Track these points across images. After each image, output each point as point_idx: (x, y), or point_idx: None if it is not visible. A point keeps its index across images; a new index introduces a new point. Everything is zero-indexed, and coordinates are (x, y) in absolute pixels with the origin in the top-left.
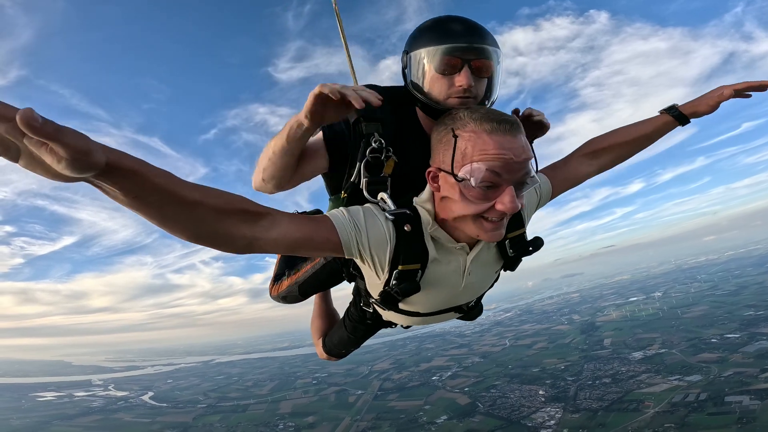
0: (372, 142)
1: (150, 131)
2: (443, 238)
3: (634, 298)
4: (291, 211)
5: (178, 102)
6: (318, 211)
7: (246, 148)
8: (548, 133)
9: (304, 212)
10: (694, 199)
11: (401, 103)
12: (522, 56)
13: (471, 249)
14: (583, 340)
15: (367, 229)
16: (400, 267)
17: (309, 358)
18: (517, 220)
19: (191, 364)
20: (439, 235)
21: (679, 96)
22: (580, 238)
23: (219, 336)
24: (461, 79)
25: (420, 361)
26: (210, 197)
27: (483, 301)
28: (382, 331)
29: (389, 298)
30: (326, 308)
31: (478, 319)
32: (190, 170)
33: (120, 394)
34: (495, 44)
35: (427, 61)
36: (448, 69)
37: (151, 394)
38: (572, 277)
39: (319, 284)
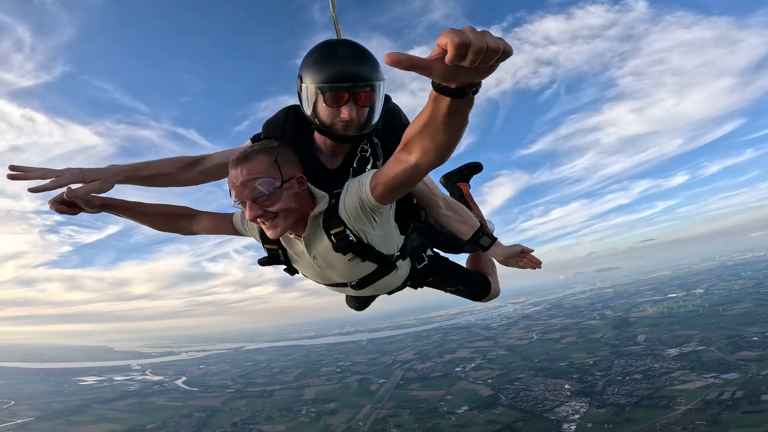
0: None
1: (187, 124)
2: None
3: (673, 295)
4: None
5: (212, 95)
6: None
7: None
8: (584, 124)
9: None
10: (742, 193)
11: (305, 121)
12: (554, 45)
13: (301, 239)
14: (614, 335)
15: (246, 221)
16: (265, 245)
17: (334, 347)
18: (335, 219)
19: (222, 351)
20: None
21: (728, 87)
22: (617, 232)
23: (249, 324)
24: (344, 112)
25: (444, 352)
26: (164, 209)
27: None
28: (406, 321)
29: (273, 263)
30: None
31: (505, 312)
32: None
33: (155, 378)
34: (376, 77)
35: (315, 92)
36: (333, 102)
37: (184, 378)
38: (607, 271)
39: None
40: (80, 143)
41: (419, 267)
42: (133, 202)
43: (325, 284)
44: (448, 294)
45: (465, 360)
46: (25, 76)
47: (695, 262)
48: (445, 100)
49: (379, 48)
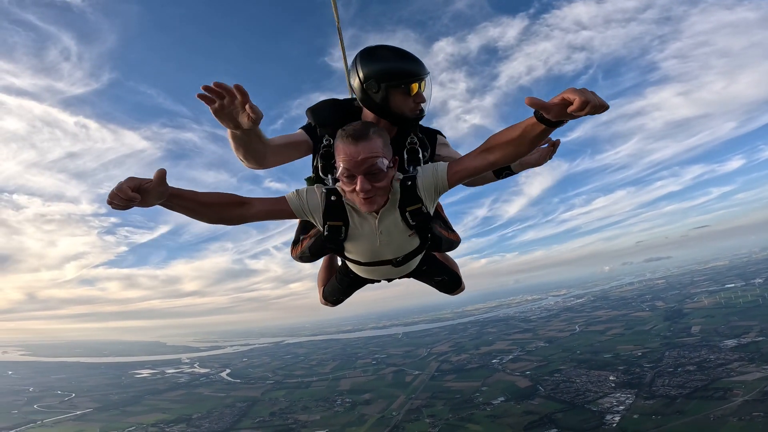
0: (324, 140)
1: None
2: (356, 207)
3: (731, 285)
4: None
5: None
6: None
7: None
8: (626, 109)
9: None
10: None
11: (349, 112)
12: (586, 30)
13: (378, 215)
14: (666, 327)
15: (307, 199)
16: (328, 223)
17: (370, 340)
18: (413, 197)
19: (264, 345)
20: (353, 204)
21: None
22: (669, 221)
23: (289, 319)
24: (419, 98)
25: (480, 344)
26: (217, 198)
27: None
28: (442, 315)
29: (331, 241)
30: (330, 263)
31: (545, 305)
32: None
33: (203, 371)
34: (426, 70)
35: (391, 87)
36: (410, 93)
37: (228, 371)
38: (657, 261)
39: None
40: (131, 148)
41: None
42: (192, 191)
43: (370, 262)
44: (427, 287)
45: (502, 352)
46: (75, 84)
47: (754, 251)
48: (541, 127)
49: (405, 41)
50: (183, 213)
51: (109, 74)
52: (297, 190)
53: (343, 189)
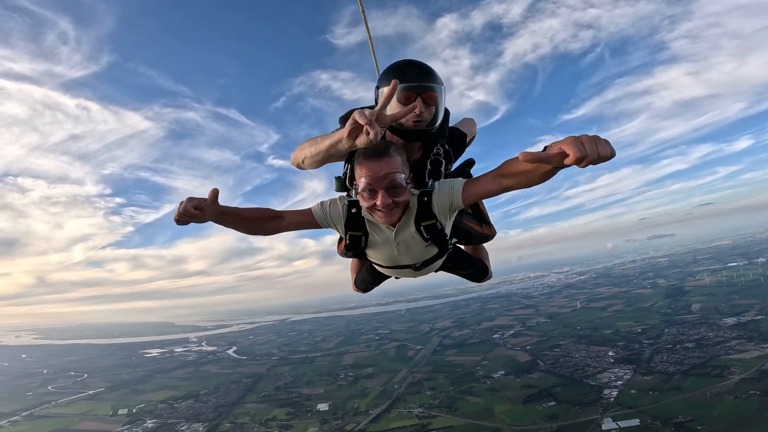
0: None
1: (227, 104)
2: (373, 219)
3: (734, 264)
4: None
5: (248, 75)
6: None
7: (313, 114)
8: (634, 88)
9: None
10: None
11: None
12: (593, 8)
13: (395, 228)
14: (666, 304)
15: (330, 211)
16: (349, 232)
17: (373, 316)
18: (428, 213)
19: (269, 323)
20: (370, 217)
21: None
22: (674, 200)
23: (294, 297)
24: (417, 110)
25: (482, 320)
26: (257, 213)
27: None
28: (445, 291)
29: (352, 249)
30: None
31: (547, 282)
32: (265, 137)
33: (210, 349)
34: (440, 82)
35: (399, 92)
36: (406, 101)
37: (234, 348)
38: (661, 238)
39: None
40: (133, 128)
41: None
42: (237, 207)
43: (389, 266)
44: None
45: (503, 327)
46: (75, 68)
47: (759, 231)
48: (547, 167)
49: (407, 18)
50: (230, 227)
51: (108, 57)
52: (321, 203)
53: (362, 203)
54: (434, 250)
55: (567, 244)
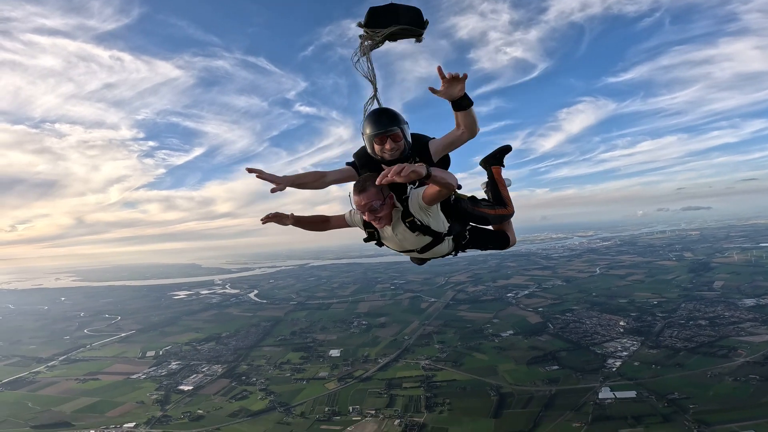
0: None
1: (256, 52)
2: None
3: (766, 244)
4: None
5: (277, 24)
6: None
7: (341, 63)
8: (693, 56)
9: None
10: None
11: (374, 159)
12: None
13: (390, 226)
14: (689, 279)
15: (354, 218)
16: (367, 230)
17: (391, 265)
18: (407, 213)
19: (290, 267)
20: None
21: None
22: (717, 173)
23: (315, 242)
24: (386, 146)
25: (498, 277)
26: (318, 218)
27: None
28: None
29: (371, 240)
30: None
31: (569, 244)
32: (292, 84)
33: (233, 291)
34: (402, 122)
35: (370, 139)
36: (379, 143)
37: (256, 292)
38: (696, 210)
39: None
40: (164, 77)
41: (463, 243)
42: (305, 216)
43: (401, 250)
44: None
45: (518, 287)
46: (107, 21)
47: None
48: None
49: None
50: (303, 229)
51: (139, 8)
52: (350, 211)
53: None
54: (427, 239)
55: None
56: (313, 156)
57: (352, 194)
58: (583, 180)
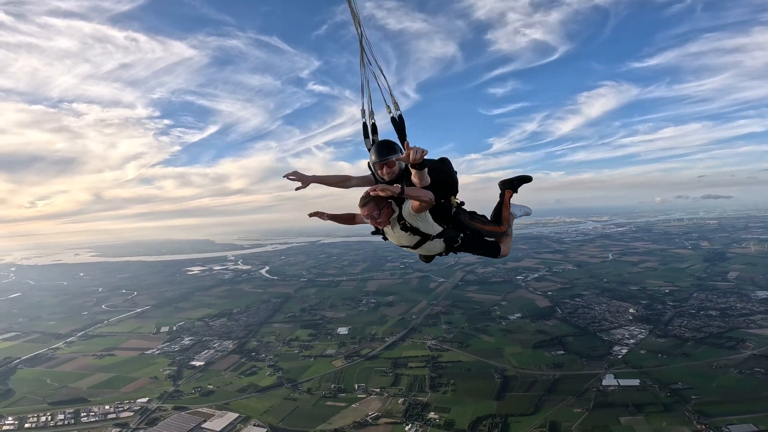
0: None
1: (269, 31)
2: None
3: None
4: None
5: (290, 2)
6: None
7: (355, 42)
8: (724, 44)
9: None
10: None
11: None
12: None
13: (390, 225)
14: (703, 268)
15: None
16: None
17: None
18: (401, 218)
19: (301, 244)
20: None
21: None
22: (741, 161)
23: (327, 222)
24: (384, 171)
25: (508, 259)
26: (349, 215)
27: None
28: None
29: (377, 234)
30: None
31: (583, 229)
32: (306, 63)
33: (245, 267)
34: (397, 151)
35: (374, 165)
36: (379, 168)
37: (267, 268)
38: (716, 199)
39: None
40: (179, 56)
41: (455, 246)
42: (341, 214)
43: (400, 245)
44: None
45: (529, 269)
46: (121, 2)
47: None
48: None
49: None
50: (336, 222)
51: None
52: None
53: None
54: (417, 238)
55: (611, 192)
56: (326, 134)
57: (358, 204)
58: (601, 164)
